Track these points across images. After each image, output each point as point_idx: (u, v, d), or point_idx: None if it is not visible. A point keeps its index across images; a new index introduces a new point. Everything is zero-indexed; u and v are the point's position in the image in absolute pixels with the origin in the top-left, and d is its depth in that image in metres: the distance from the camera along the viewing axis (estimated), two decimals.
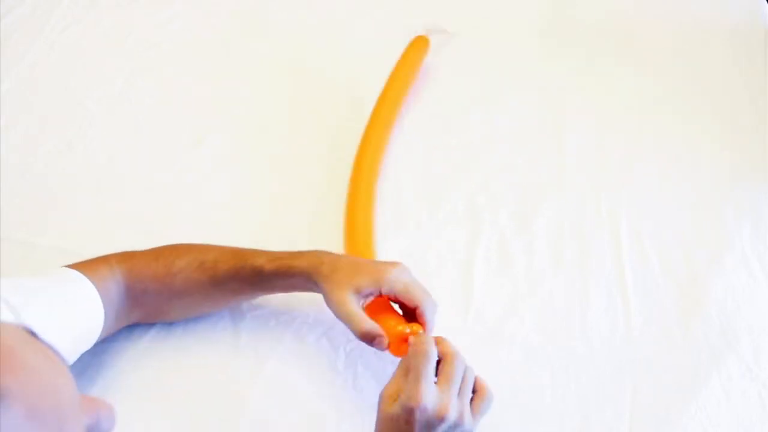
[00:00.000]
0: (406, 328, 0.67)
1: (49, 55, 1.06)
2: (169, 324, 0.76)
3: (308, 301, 0.78)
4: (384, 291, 0.68)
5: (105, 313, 0.66)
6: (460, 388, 0.61)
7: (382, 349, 0.66)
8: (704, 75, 1.08)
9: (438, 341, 0.64)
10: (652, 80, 1.07)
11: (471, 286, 0.82)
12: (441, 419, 0.58)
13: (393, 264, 0.70)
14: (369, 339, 0.66)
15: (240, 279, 0.71)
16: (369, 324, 0.66)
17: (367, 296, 0.68)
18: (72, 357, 0.65)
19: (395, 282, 0.68)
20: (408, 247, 0.84)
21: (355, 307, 0.67)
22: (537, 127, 1.00)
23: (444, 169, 0.94)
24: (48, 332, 0.58)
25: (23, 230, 0.84)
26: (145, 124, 0.98)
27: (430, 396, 0.58)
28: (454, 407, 0.59)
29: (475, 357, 0.73)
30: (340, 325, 0.77)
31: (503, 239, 0.87)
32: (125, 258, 0.71)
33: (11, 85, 1.01)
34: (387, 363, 0.75)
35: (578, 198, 0.91)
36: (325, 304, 0.70)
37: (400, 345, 0.66)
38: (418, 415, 0.57)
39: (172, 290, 0.71)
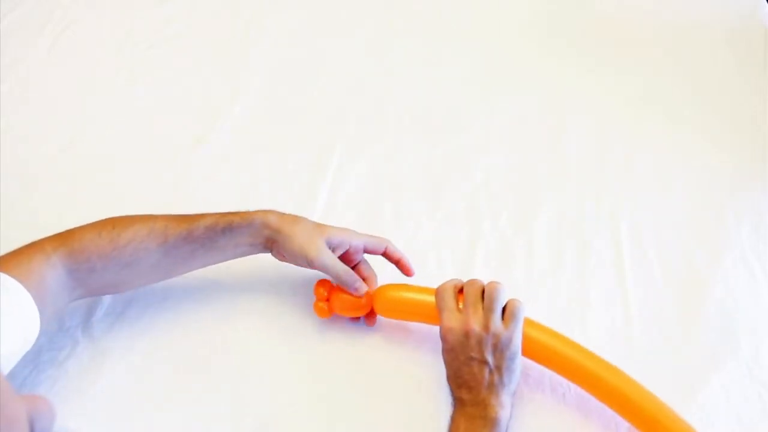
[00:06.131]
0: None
1: (49, 55, 1.06)
2: (169, 326, 0.76)
3: (308, 300, 0.78)
4: (353, 244, 0.73)
5: (41, 309, 0.63)
6: (484, 305, 0.68)
7: (360, 295, 0.73)
8: (704, 75, 1.08)
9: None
10: (652, 80, 1.07)
11: None
12: (467, 334, 0.67)
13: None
14: (349, 284, 0.72)
15: (192, 240, 0.70)
16: (348, 269, 0.72)
17: (334, 249, 0.72)
18: (7, 366, 0.61)
19: (359, 236, 0.74)
20: (408, 248, 0.84)
21: (331, 255, 0.72)
22: (537, 127, 1.00)
23: (444, 169, 0.94)
24: None
25: (23, 230, 0.83)
26: (145, 124, 0.98)
27: (453, 320, 0.68)
28: (475, 320, 0.67)
29: None
30: (340, 327, 0.77)
31: (503, 239, 0.87)
32: (63, 240, 0.67)
33: (11, 85, 1.01)
34: (386, 361, 0.75)
35: (578, 198, 0.92)
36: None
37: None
38: (450, 337, 0.68)
39: (121, 263, 0.68)
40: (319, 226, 0.73)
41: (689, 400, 0.73)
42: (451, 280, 0.72)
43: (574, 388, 0.73)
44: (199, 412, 0.71)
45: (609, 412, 0.70)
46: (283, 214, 0.72)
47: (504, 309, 0.69)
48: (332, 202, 0.89)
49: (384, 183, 0.92)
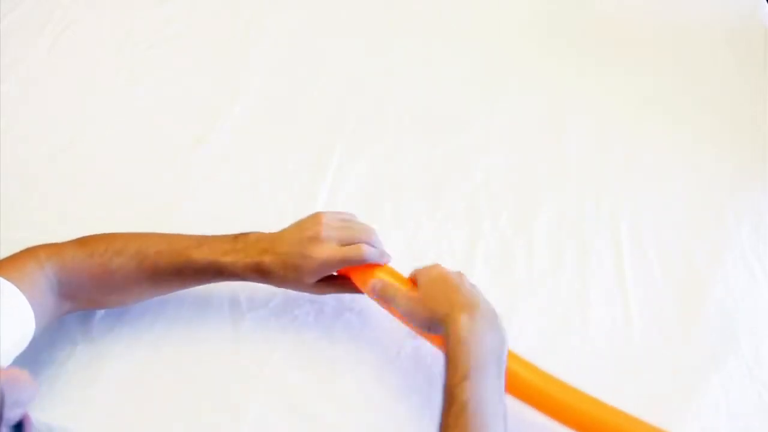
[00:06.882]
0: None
1: (49, 55, 1.06)
2: (169, 326, 0.76)
3: (308, 301, 0.78)
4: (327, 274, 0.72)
5: (35, 314, 0.63)
6: None
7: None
8: (704, 75, 1.09)
9: None
10: (652, 80, 1.07)
11: None
12: (443, 273, 0.69)
13: (313, 255, 0.69)
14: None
15: (181, 277, 0.71)
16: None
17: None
18: (4, 365, 0.61)
19: (328, 261, 0.70)
20: (408, 247, 0.84)
21: (328, 286, 0.73)
22: (537, 127, 1.00)
23: (444, 169, 0.94)
24: None
25: (23, 231, 0.83)
26: (145, 123, 0.98)
27: (426, 270, 0.70)
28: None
29: None
30: (340, 325, 0.77)
31: (503, 239, 0.87)
32: (55, 252, 0.68)
33: (11, 85, 1.01)
34: (386, 362, 0.75)
35: (578, 198, 0.92)
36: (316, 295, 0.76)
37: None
38: (442, 269, 0.70)
39: (111, 287, 0.70)
40: (302, 267, 0.70)
41: (689, 400, 0.73)
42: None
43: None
44: (198, 413, 0.71)
45: None
46: (271, 269, 0.70)
47: None
48: (332, 202, 0.89)
49: (384, 183, 0.92)
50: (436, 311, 0.66)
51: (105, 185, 0.90)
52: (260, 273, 0.71)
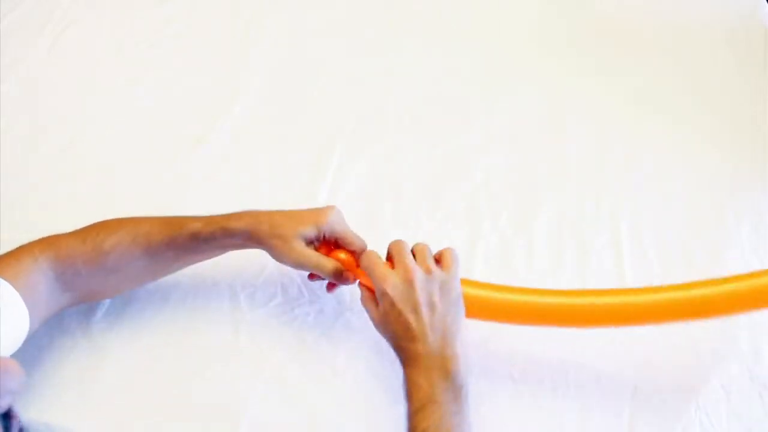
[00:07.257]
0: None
1: (49, 55, 1.06)
2: (169, 324, 0.76)
3: (308, 301, 0.78)
4: (326, 234, 0.71)
5: (31, 311, 0.63)
6: (417, 256, 0.69)
7: (350, 283, 0.72)
8: (704, 75, 1.08)
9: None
10: (652, 80, 1.07)
11: None
12: (411, 282, 0.66)
13: (328, 207, 0.72)
14: (338, 275, 0.71)
15: (176, 247, 0.71)
16: (333, 262, 0.71)
17: (311, 243, 0.71)
18: None
19: (335, 224, 0.72)
20: None
21: (312, 253, 0.70)
22: (537, 127, 1.00)
23: (444, 169, 0.94)
24: None
25: (23, 231, 0.84)
26: (145, 123, 0.98)
27: (390, 274, 0.67)
28: (416, 268, 0.67)
29: (475, 357, 0.74)
30: (340, 325, 0.77)
31: (503, 239, 0.87)
32: (49, 244, 0.68)
33: (11, 85, 1.01)
34: (386, 362, 0.75)
35: (578, 198, 0.92)
36: (305, 278, 0.76)
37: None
38: (390, 290, 0.66)
39: (106, 269, 0.70)
40: (295, 225, 0.70)
41: (689, 400, 0.73)
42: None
43: (574, 386, 0.73)
44: (198, 413, 0.71)
45: (610, 409, 0.70)
46: (272, 224, 0.70)
47: (438, 261, 0.70)
48: (332, 202, 0.89)
49: (384, 183, 0.92)
50: (388, 341, 0.68)
51: (105, 185, 0.90)
52: (256, 228, 0.70)
